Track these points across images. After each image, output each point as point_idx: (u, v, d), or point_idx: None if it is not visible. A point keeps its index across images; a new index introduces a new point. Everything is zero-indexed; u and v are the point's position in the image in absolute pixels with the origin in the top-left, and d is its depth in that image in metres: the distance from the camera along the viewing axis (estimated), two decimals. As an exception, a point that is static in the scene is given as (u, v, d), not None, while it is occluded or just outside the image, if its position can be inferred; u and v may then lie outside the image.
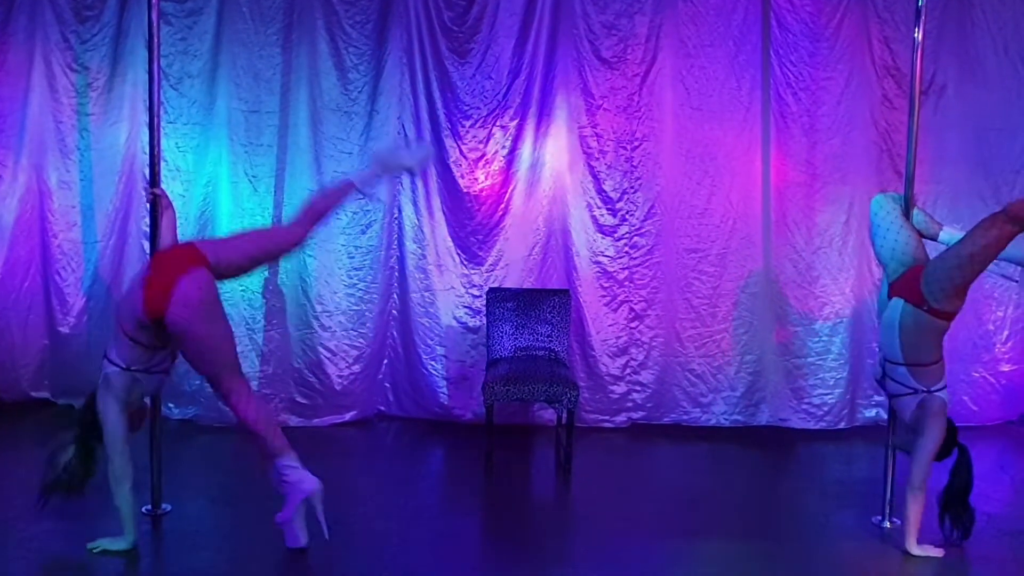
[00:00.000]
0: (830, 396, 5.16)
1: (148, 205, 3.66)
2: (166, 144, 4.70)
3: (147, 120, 3.73)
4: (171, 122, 4.89)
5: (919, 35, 3.72)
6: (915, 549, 3.50)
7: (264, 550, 3.46)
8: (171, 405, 4.93)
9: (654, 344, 5.15)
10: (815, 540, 3.71)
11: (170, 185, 4.67)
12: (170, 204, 3.65)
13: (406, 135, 5.07)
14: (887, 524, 3.81)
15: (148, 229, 3.72)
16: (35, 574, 3.23)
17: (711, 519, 3.89)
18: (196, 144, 4.95)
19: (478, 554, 3.62)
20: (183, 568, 3.35)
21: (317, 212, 3.57)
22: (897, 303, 3.54)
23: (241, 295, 4.96)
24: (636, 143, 5.08)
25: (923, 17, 3.72)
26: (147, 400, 3.56)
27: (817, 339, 5.15)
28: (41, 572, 3.24)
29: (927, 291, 3.46)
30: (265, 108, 4.93)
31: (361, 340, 5.08)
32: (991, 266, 3.67)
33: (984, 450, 4.66)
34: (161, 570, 3.38)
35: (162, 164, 3.77)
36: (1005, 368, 5.28)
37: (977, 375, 5.25)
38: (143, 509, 3.67)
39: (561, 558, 3.52)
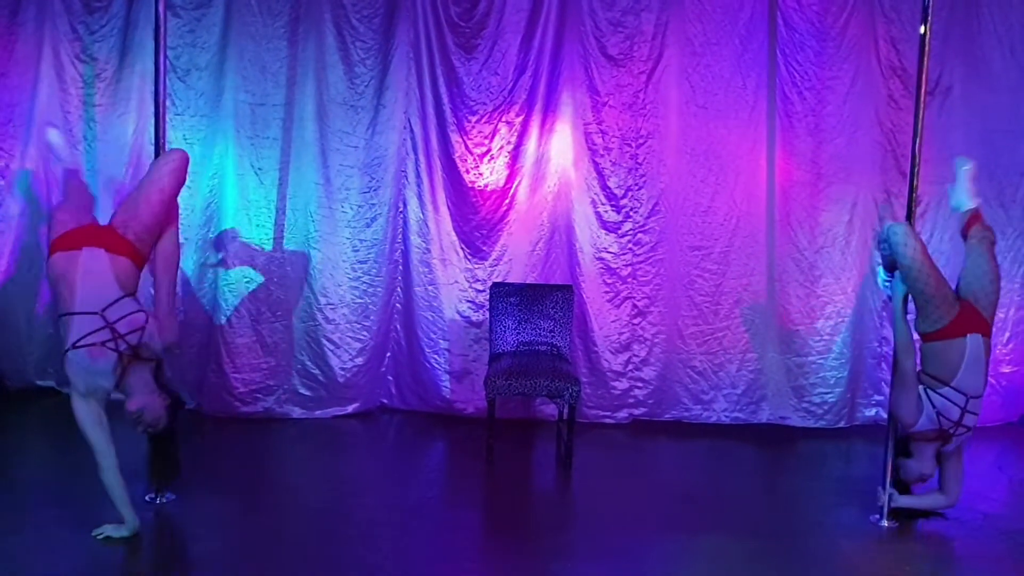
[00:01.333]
0: (830, 395, 5.18)
1: None
2: (173, 136, 4.75)
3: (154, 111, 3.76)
4: (178, 114, 4.92)
5: (925, 34, 3.73)
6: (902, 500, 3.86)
7: (267, 539, 3.50)
8: (175, 395, 4.96)
9: (656, 341, 5.17)
10: (813, 538, 3.73)
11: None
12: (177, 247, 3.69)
13: (412, 130, 5.10)
14: (885, 523, 3.83)
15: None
16: (41, 559, 3.25)
17: (710, 516, 3.92)
18: (203, 136, 4.98)
19: (478, 547, 3.64)
20: (186, 556, 3.39)
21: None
22: (977, 340, 3.64)
23: (246, 287, 4.98)
24: (641, 140, 5.09)
25: (930, 17, 3.73)
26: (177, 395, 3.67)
27: (818, 338, 5.15)
28: (47, 557, 3.27)
29: (991, 322, 3.69)
30: (272, 101, 4.95)
31: (365, 333, 5.11)
32: None
33: (983, 451, 4.68)
34: (164, 558, 3.42)
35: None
36: (1006, 370, 5.29)
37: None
38: (146, 497, 3.72)
39: (561, 552, 3.54)
